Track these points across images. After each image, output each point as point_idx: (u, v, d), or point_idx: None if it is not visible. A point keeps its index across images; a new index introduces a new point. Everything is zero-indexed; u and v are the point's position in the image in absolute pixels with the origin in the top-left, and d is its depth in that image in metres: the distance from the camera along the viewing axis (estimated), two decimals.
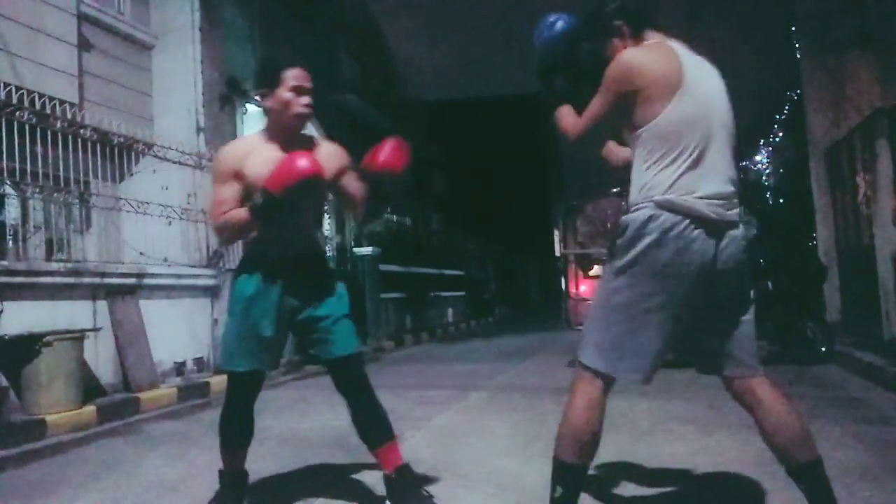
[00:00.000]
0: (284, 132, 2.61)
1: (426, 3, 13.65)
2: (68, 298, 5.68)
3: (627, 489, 3.01)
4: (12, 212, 5.90)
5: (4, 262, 5.24)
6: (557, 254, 13.65)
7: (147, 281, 6.61)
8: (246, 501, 2.78)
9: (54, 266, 5.68)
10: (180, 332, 7.09)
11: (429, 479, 3.13)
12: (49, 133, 5.81)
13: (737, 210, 2.13)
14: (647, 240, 2.04)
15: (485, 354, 10.21)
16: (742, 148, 13.83)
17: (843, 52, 8.52)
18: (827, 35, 8.82)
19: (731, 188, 2.13)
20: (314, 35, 13.04)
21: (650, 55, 2.11)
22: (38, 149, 5.69)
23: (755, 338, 2.22)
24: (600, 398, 2.10)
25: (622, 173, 2.50)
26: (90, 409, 5.21)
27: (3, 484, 3.65)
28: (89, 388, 5.58)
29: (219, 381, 6.28)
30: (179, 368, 7.00)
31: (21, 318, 5.11)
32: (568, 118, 2.28)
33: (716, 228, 2.06)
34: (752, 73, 11.72)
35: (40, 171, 5.71)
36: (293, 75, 2.56)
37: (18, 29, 6.39)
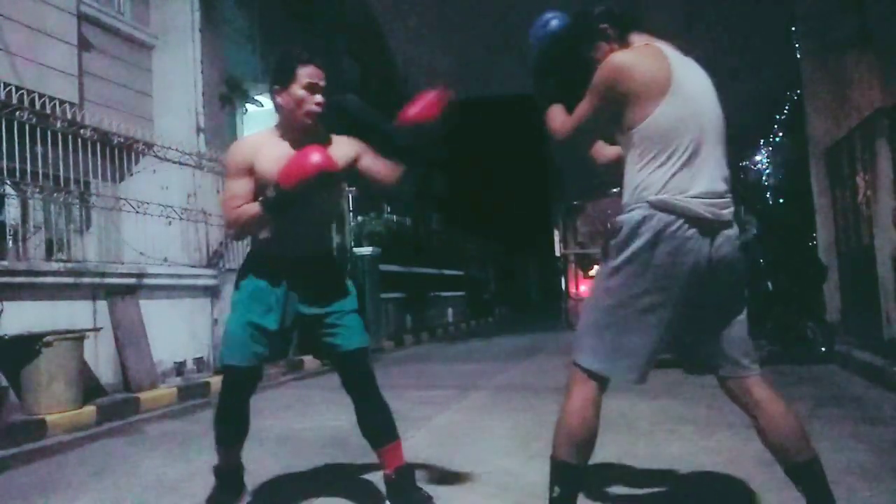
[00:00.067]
0: (296, 129, 2.58)
1: (426, 3, 13.66)
2: (68, 298, 5.68)
3: (627, 489, 3.01)
4: (12, 212, 5.90)
5: (4, 262, 5.24)
6: (557, 254, 13.68)
7: (147, 281, 6.61)
8: (244, 496, 2.76)
9: (54, 266, 5.68)
10: (180, 332, 7.09)
11: (429, 479, 3.13)
12: (49, 133, 5.81)
13: (731, 209, 2.13)
14: (640, 240, 2.05)
15: (485, 354, 10.21)
16: (742, 148, 13.86)
17: (843, 52, 8.52)
18: (827, 35, 8.82)
19: (723, 186, 2.13)
20: (314, 35, 13.04)
21: (639, 57, 2.12)
22: (38, 149, 5.69)
23: (749, 338, 2.21)
24: (596, 398, 2.11)
25: (610, 172, 2.51)
26: (90, 409, 5.22)
27: (3, 484, 3.65)
28: (89, 388, 5.58)
29: (219, 381, 6.26)
30: (179, 368, 7.00)
31: (21, 318, 5.11)
32: (557, 118, 2.29)
33: (710, 228, 2.06)
34: (752, 73, 11.73)
35: (40, 171, 5.71)
36: (307, 73, 2.54)
37: (18, 29, 6.40)
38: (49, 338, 5.00)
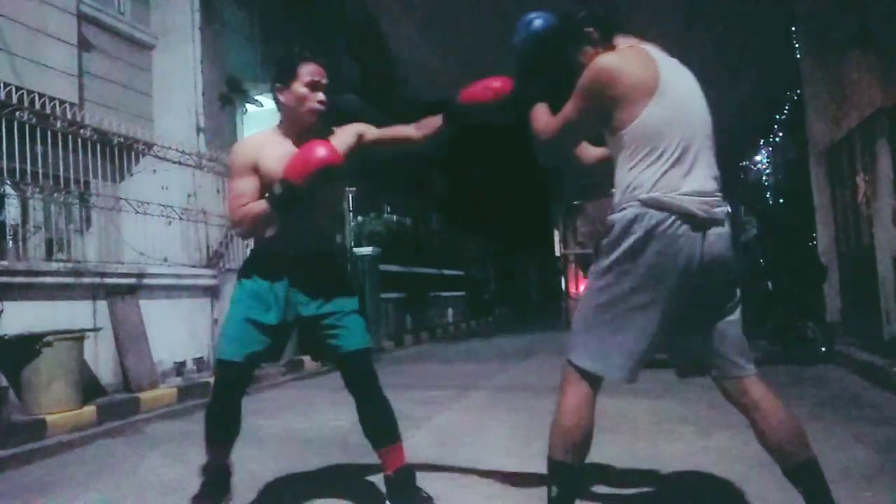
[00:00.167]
0: (299, 127, 2.58)
1: (427, 3, 13.65)
2: (68, 298, 5.68)
3: (627, 489, 3.01)
4: (12, 212, 5.90)
5: (4, 262, 5.24)
6: (557, 254, 13.68)
7: (147, 281, 6.61)
8: (230, 498, 2.72)
9: (54, 266, 5.68)
10: (180, 332, 7.09)
11: (429, 479, 3.13)
12: (49, 133, 5.81)
13: (722, 208, 2.14)
14: (632, 238, 2.05)
15: (485, 354, 10.21)
16: (742, 148, 13.84)
17: (843, 52, 8.52)
18: (827, 35, 8.82)
19: (714, 185, 2.14)
20: (314, 35, 13.03)
21: (625, 59, 2.13)
22: (38, 149, 5.69)
23: (744, 337, 2.21)
24: (590, 397, 2.11)
25: (595, 172, 2.52)
26: (90, 409, 5.21)
27: (3, 484, 3.65)
28: (89, 388, 5.58)
29: None
30: (179, 368, 7.00)
31: (21, 318, 5.11)
32: (541, 118, 2.29)
33: (702, 225, 2.07)
34: (753, 72, 11.73)
35: (40, 171, 5.71)
36: (309, 70, 2.54)
37: (19, 29, 6.40)
38: (49, 338, 5.00)
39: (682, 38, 11.39)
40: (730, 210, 2.19)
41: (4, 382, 4.92)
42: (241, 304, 2.59)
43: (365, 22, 15.57)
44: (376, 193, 15.05)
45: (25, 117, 5.55)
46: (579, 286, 11.94)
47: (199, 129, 8.25)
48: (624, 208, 2.10)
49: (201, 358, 7.32)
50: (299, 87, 2.53)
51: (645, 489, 3.03)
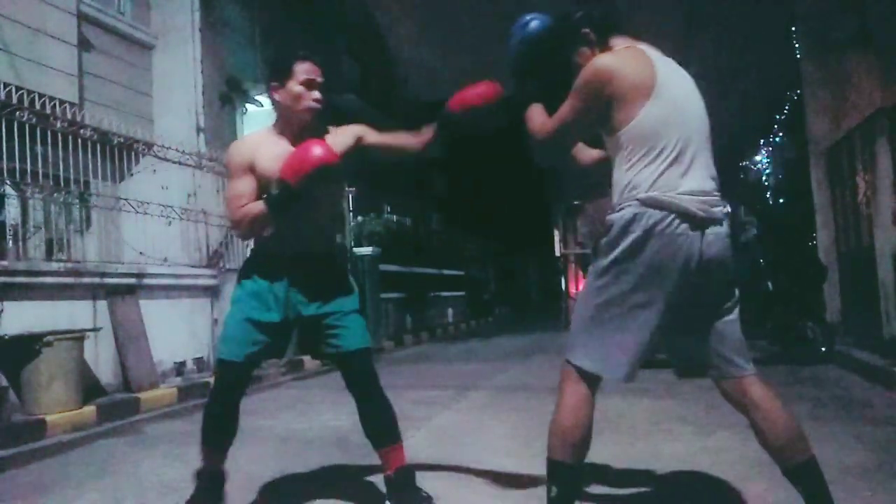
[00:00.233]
0: (295, 126, 2.57)
1: (427, 3, 13.65)
2: (68, 298, 5.68)
3: (627, 489, 3.01)
4: (12, 212, 5.90)
5: (4, 262, 5.24)
6: (557, 254, 13.69)
7: (147, 281, 6.61)
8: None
9: (54, 266, 5.69)
10: (180, 332, 7.09)
11: (429, 479, 3.13)
12: (49, 133, 5.82)
13: (720, 207, 2.14)
14: (631, 237, 2.06)
15: (485, 354, 10.21)
16: (742, 148, 13.82)
17: (843, 52, 8.51)
18: (827, 35, 8.81)
19: (712, 185, 2.15)
20: (314, 35, 13.04)
21: (622, 60, 2.13)
22: (38, 149, 5.69)
23: (742, 337, 2.21)
24: (588, 397, 2.11)
25: (592, 174, 2.52)
26: (90, 409, 5.22)
27: (3, 484, 3.65)
28: (89, 388, 5.58)
29: None
30: (179, 368, 7.00)
31: (21, 318, 5.11)
32: (537, 119, 2.29)
33: (700, 225, 2.07)
34: (752, 73, 11.72)
35: (40, 171, 5.71)
36: (304, 69, 2.53)
37: (18, 29, 6.40)
38: (49, 338, 5.00)
39: (682, 39, 11.40)
40: (729, 210, 2.19)
41: (4, 382, 4.93)
42: (240, 303, 2.59)
43: (365, 22, 15.57)
44: (376, 193, 15.05)
45: (25, 117, 5.55)
46: (579, 286, 11.94)
47: (199, 129, 8.25)
48: (622, 208, 2.10)
49: (201, 358, 7.32)
50: (295, 86, 2.52)
51: (644, 489, 3.03)
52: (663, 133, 2.08)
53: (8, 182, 5.61)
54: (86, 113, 6.57)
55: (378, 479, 2.83)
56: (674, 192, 2.06)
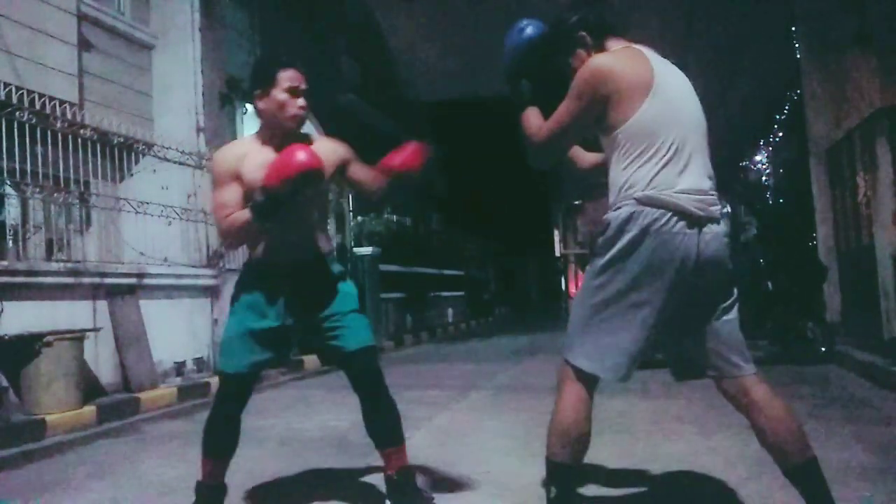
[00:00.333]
0: (279, 134, 2.54)
1: (427, 3, 13.64)
2: (68, 298, 5.68)
3: (627, 489, 3.01)
4: (12, 212, 5.90)
5: (4, 262, 5.24)
6: (557, 254, 13.71)
7: (147, 281, 6.61)
8: None
9: (54, 266, 5.68)
10: (180, 332, 7.09)
11: (429, 479, 3.13)
12: (49, 133, 5.81)
13: (718, 206, 2.14)
14: (628, 236, 2.06)
15: (485, 354, 10.21)
16: (742, 148, 13.80)
17: (843, 52, 8.51)
18: (827, 35, 8.81)
19: (709, 184, 2.15)
20: (314, 35, 13.04)
21: (619, 59, 2.14)
22: (38, 149, 5.69)
23: (741, 337, 2.20)
24: (586, 397, 2.11)
25: (589, 176, 2.52)
26: (90, 409, 5.21)
27: (3, 484, 3.65)
28: (89, 388, 5.58)
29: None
30: (179, 368, 7.00)
31: (21, 318, 5.11)
32: (534, 122, 2.29)
33: (697, 223, 2.07)
34: (752, 73, 11.72)
35: (40, 171, 5.71)
36: (288, 76, 2.50)
37: (18, 29, 6.39)
38: (49, 338, 5.00)
39: (682, 39, 11.39)
40: (727, 209, 2.20)
41: (4, 382, 4.93)
42: (238, 315, 2.58)
43: (365, 22, 15.56)
44: None
45: (25, 117, 5.55)
46: (579, 286, 11.94)
47: (199, 129, 8.24)
48: (619, 207, 2.10)
49: (201, 358, 7.32)
50: (279, 94, 2.49)
51: (644, 489, 3.03)
52: (660, 132, 2.08)
53: (8, 182, 5.61)
54: (86, 113, 6.57)
55: (378, 480, 2.83)
56: (671, 190, 2.06)
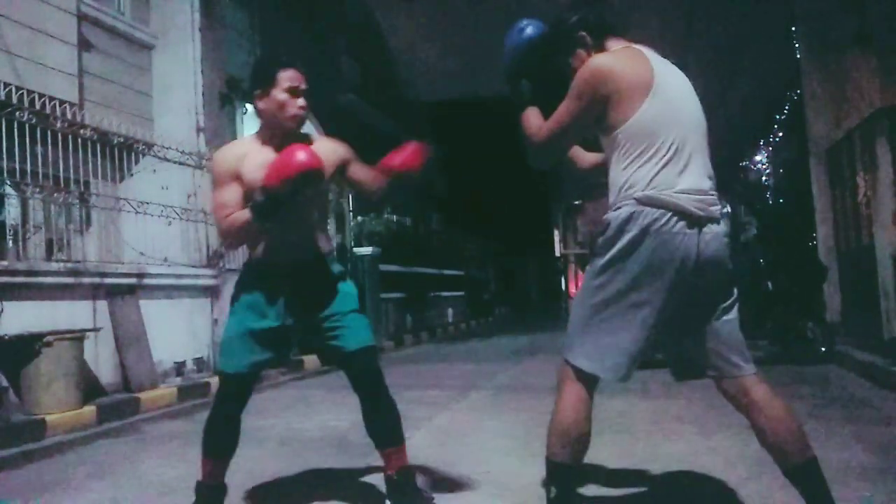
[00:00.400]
0: (279, 134, 2.54)
1: (427, 3, 13.64)
2: (68, 298, 5.68)
3: (627, 489, 3.01)
4: (12, 212, 5.90)
5: (4, 262, 5.24)
6: (557, 254, 13.72)
7: (147, 281, 6.61)
8: None
9: (54, 266, 5.68)
10: (180, 332, 7.09)
11: (429, 480, 3.13)
12: (49, 133, 5.81)
13: (718, 206, 2.14)
14: (628, 236, 2.06)
15: (485, 354, 10.21)
16: (742, 148, 13.79)
17: (843, 52, 8.51)
18: (827, 35, 8.82)
19: (709, 184, 2.15)
20: (314, 35, 13.04)
21: (619, 59, 2.15)
22: (38, 149, 5.69)
23: (742, 337, 2.20)
24: (586, 397, 2.11)
25: (589, 177, 2.52)
26: (90, 409, 5.21)
27: (3, 484, 3.65)
28: (89, 388, 5.58)
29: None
30: (179, 368, 7.00)
31: (21, 318, 5.11)
32: (534, 122, 2.28)
33: (697, 223, 2.07)
34: (752, 73, 11.72)
35: (40, 171, 5.71)
36: (288, 76, 2.50)
37: (18, 29, 6.39)
38: (49, 338, 5.00)
39: (682, 39, 11.39)
40: (728, 209, 2.20)
41: (4, 382, 4.93)
42: (237, 316, 2.57)
43: (365, 22, 15.56)
44: None
45: (25, 117, 5.55)
46: (579, 286, 11.94)
47: (199, 129, 8.24)
48: (619, 207, 2.11)
49: (201, 358, 7.32)
50: (279, 94, 2.49)
51: (644, 489, 3.03)
52: (660, 132, 2.09)
53: (8, 182, 5.61)
54: (86, 113, 6.57)
55: (378, 480, 2.83)
56: (670, 190, 2.06)
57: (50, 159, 5.85)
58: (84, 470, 3.86)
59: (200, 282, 7.46)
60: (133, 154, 7.06)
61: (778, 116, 12.10)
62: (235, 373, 2.56)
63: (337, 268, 2.68)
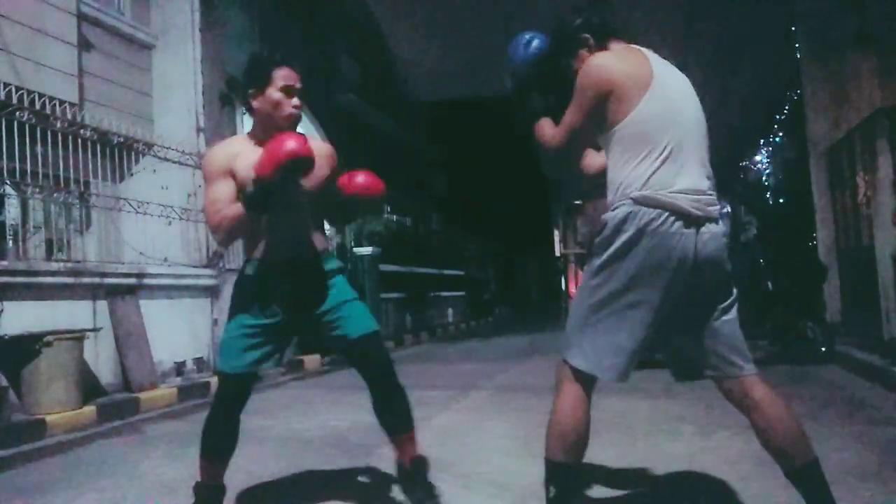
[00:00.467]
0: (273, 133, 2.50)
1: (427, 3, 13.64)
2: (68, 298, 5.69)
3: (627, 489, 3.01)
4: (12, 212, 5.90)
5: (4, 262, 5.24)
6: (557, 254, 13.72)
7: (147, 281, 6.61)
8: None
9: (54, 266, 5.69)
10: (180, 332, 7.09)
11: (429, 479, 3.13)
12: (49, 133, 5.82)
13: (716, 206, 2.14)
14: (625, 236, 2.06)
15: (485, 354, 10.21)
16: (742, 148, 13.79)
17: (843, 52, 8.52)
18: (827, 35, 8.82)
19: (707, 184, 2.14)
20: (314, 35, 13.04)
21: (619, 57, 2.16)
22: (38, 149, 5.69)
23: (741, 337, 2.20)
24: (585, 396, 2.11)
25: (601, 182, 2.52)
26: (90, 409, 5.22)
27: (3, 484, 3.65)
28: (89, 388, 5.58)
29: None
30: (179, 368, 7.00)
31: (21, 318, 5.11)
32: (547, 131, 2.29)
33: (695, 223, 2.07)
34: (752, 72, 11.72)
35: (40, 171, 5.71)
36: (282, 75, 2.49)
37: (18, 29, 6.39)
38: (49, 338, 5.00)
39: (681, 39, 11.39)
40: (727, 209, 2.20)
41: (4, 382, 4.92)
42: (237, 314, 2.57)
43: (365, 22, 15.56)
44: None
45: (25, 117, 5.55)
46: (579, 286, 11.94)
47: (199, 129, 8.24)
48: (617, 207, 2.11)
49: (201, 358, 7.33)
50: (274, 93, 2.49)
51: (644, 489, 3.03)
52: (658, 131, 2.09)
53: (8, 182, 5.61)
54: (86, 113, 6.57)
55: (378, 480, 2.83)
56: (667, 190, 2.06)
57: (50, 159, 5.85)
58: (84, 470, 3.86)
59: (200, 282, 7.47)
60: (133, 154, 7.06)
61: (778, 116, 12.11)
62: (235, 373, 2.56)
63: (334, 264, 2.67)
